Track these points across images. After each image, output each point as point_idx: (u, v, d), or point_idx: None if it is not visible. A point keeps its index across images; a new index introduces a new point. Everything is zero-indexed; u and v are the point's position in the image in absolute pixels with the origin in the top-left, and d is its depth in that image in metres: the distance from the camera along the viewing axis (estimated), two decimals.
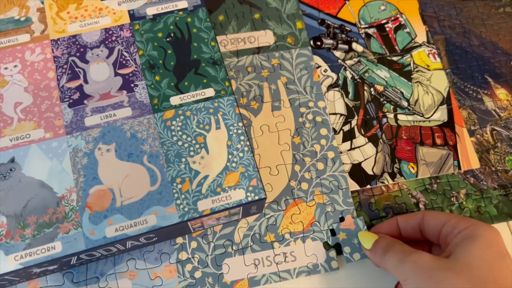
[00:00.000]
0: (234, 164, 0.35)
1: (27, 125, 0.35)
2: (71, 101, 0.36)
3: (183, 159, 0.35)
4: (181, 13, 0.39)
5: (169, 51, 0.38)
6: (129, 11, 0.39)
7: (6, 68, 0.36)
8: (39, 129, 0.35)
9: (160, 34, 0.38)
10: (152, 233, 0.33)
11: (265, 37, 0.47)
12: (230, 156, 0.35)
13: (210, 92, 0.37)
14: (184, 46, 0.38)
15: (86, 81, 0.36)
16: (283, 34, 0.47)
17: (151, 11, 0.39)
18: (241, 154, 0.35)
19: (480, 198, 0.42)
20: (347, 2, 0.50)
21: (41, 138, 0.34)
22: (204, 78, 0.37)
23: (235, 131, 0.36)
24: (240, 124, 0.36)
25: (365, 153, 0.43)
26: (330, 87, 0.45)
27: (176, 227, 0.34)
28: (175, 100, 0.36)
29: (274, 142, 0.42)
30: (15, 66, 0.36)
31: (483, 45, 0.49)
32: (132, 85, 0.36)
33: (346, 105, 0.45)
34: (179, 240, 0.38)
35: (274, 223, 0.39)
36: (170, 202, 0.34)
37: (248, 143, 0.36)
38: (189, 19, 0.39)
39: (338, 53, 0.47)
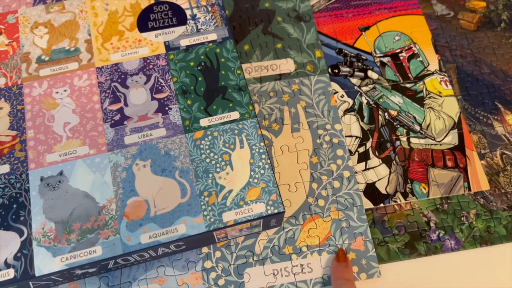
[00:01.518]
0: (255, 180, 0.39)
1: (74, 142, 0.40)
2: (112, 121, 0.40)
3: (210, 175, 0.39)
4: (210, 44, 0.44)
5: (200, 78, 0.42)
6: (164, 42, 0.44)
7: (57, 92, 0.41)
8: (84, 146, 0.39)
9: (192, 63, 0.43)
10: (181, 241, 0.37)
11: (286, 65, 0.51)
12: (252, 173, 0.39)
13: (235, 115, 0.41)
14: (213, 74, 0.43)
15: (126, 104, 0.41)
16: (303, 62, 0.51)
17: (184, 42, 0.44)
18: (262, 171, 0.39)
19: (490, 219, 0.44)
20: (363, 33, 0.54)
21: (86, 154, 0.39)
22: (230, 103, 0.42)
23: (257, 150, 0.40)
24: (262, 144, 0.40)
25: (379, 173, 0.46)
26: (347, 111, 0.49)
27: (203, 236, 0.38)
28: (204, 122, 0.41)
29: (293, 161, 0.46)
30: (65, 90, 0.41)
31: (494, 73, 0.52)
32: (167, 108, 0.41)
33: (362, 128, 0.48)
34: (205, 249, 0.42)
35: (292, 236, 0.43)
36: (198, 213, 0.38)
37: (268, 161, 0.39)
38: (218, 50, 0.44)
39: (354, 80, 0.51)
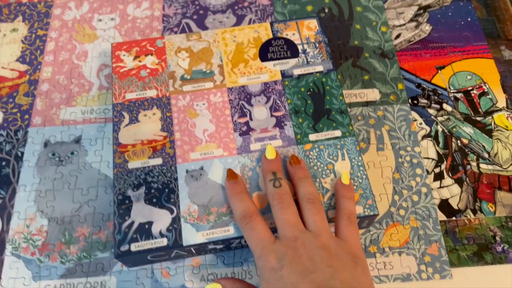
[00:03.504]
0: (354, 187, 0.47)
1: (211, 145, 0.49)
2: (240, 131, 0.50)
3: (318, 179, 0.47)
4: (318, 74, 0.53)
5: (309, 102, 0.52)
6: (281, 71, 0.54)
7: (197, 105, 0.52)
8: (219, 149, 0.49)
9: (302, 89, 0.53)
10: None
11: (373, 94, 0.60)
12: (352, 181, 0.47)
13: (337, 133, 0.50)
14: (320, 98, 0.52)
15: (251, 119, 0.51)
16: (387, 93, 0.60)
17: (296, 71, 0.54)
18: (360, 181, 0.47)
19: None
20: (439, 71, 0.62)
21: (221, 155, 0.49)
22: (333, 123, 0.50)
23: (356, 163, 0.48)
24: (360, 158, 0.49)
25: (451, 191, 0.53)
26: (424, 137, 0.57)
27: None
28: (312, 137, 0.50)
29: (378, 175, 0.54)
30: (203, 104, 0.52)
31: None
32: (283, 124, 0.50)
33: (437, 152, 0.56)
34: None
35: (377, 238, 0.50)
36: None
37: (366, 172, 0.48)
38: (324, 79, 0.53)
39: (431, 111, 0.59)
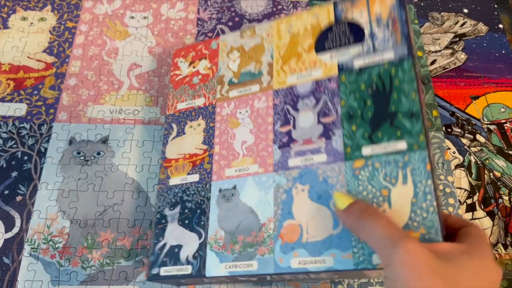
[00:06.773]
0: (415, 224, 0.21)
1: (248, 160, 0.25)
2: (280, 143, 0.25)
3: None
4: (386, 65, 0.25)
5: (369, 103, 0.24)
6: (338, 64, 0.26)
7: (240, 113, 0.27)
8: (255, 165, 0.25)
9: (362, 86, 0.25)
10: (329, 272, 0.23)
11: None
12: (412, 214, 0.21)
13: (402, 145, 0.23)
14: (384, 98, 0.24)
15: (294, 127, 0.26)
16: None
17: (358, 63, 0.26)
18: (424, 214, 0.21)
19: None
20: (473, 101, 0.36)
21: (256, 172, 0.25)
22: (398, 130, 0.23)
23: (422, 188, 0.22)
24: (429, 181, 0.22)
25: (483, 224, 0.29)
26: (457, 166, 0.32)
27: (352, 272, 0.23)
28: (366, 150, 0.23)
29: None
30: (246, 111, 0.27)
31: None
32: (330, 133, 0.25)
33: (470, 183, 0.31)
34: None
35: None
36: (348, 249, 0.22)
37: (434, 203, 0.21)
38: (393, 71, 0.24)
39: (464, 140, 0.33)
